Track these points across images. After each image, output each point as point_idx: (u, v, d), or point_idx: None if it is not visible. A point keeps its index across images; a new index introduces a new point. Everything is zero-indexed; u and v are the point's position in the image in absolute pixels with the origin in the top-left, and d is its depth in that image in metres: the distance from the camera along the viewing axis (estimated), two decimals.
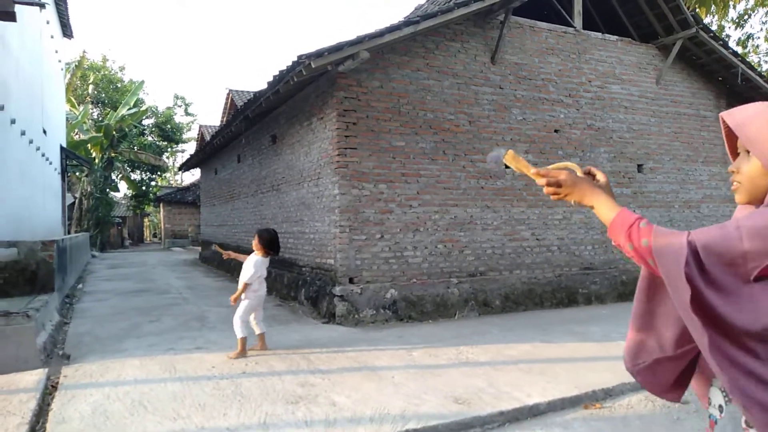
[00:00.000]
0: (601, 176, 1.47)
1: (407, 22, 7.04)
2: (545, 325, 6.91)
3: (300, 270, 8.80)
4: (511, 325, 6.98)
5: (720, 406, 1.30)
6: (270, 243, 5.49)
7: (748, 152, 1.25)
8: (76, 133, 25.27)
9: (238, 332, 5.29)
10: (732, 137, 1.33)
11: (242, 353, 5.28)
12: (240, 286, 5.41)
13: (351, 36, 6.82)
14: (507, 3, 7.70)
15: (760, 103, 1.26)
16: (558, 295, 8.56)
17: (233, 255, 5.80)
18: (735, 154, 1.33)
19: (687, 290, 1.11)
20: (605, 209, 1.35)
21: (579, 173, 1.46)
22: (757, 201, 1.25)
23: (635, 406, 4.17)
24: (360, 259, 7.25)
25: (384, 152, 7.47)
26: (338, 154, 7.23)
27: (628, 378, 4.49)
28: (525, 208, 8.53)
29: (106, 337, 6.24)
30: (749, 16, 14.28)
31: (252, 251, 5.59)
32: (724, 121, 1.31)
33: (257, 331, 5.51)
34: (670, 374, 1.36)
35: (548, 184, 1.43)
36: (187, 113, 41.29)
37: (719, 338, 1.11)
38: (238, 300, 5.43)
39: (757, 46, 17.00)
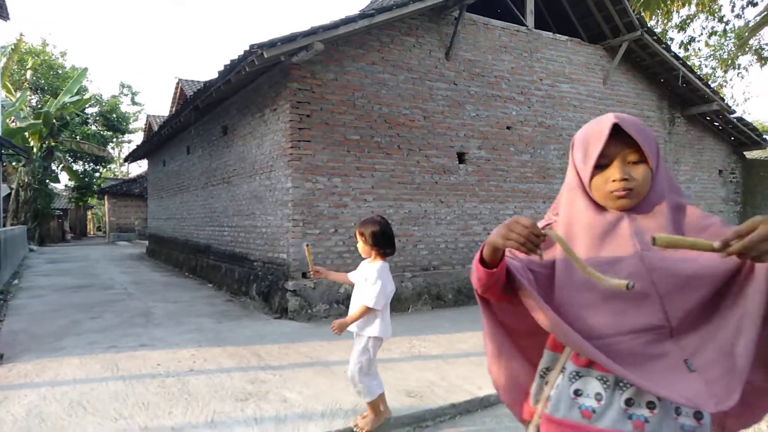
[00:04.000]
0: None
1: (362, 15, 6.99)
2: None
3: (251, 265, 8.63)
4: (463, 319, 7.06)
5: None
6: (385, 238, 3.43)
7: (633, 162, 1.31)
8: (12, 121, 23.87)
9: (367, 392, 3.35)
10: (607, 147, 1.32)
11: (377, 417, 3.42)
12: (355, 311, 3.35)
13: (305, 27, 6.71)
14: None
15: (630, 116, 1.35)
16: None
17: (324, 273, 3.61)
18: (598, 166, 1.33)
19: None
20: None
21: None
22: (637, 203, 1.33)
23: None
24: (313, 253, 7.16)
25: (338, 145, 7.40)
26: (291, 147, 7.11)
27: None
28: (477, 203, 8.65)
29: (43, 336, 5.92)
30: (691, 21, 14.95)
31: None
32: (609, 134, 1.31)
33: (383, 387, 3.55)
34: None
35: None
36: (134, 102, 39.71)
37: None
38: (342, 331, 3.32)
39: (699, 50, 17.85)
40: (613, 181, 1.31)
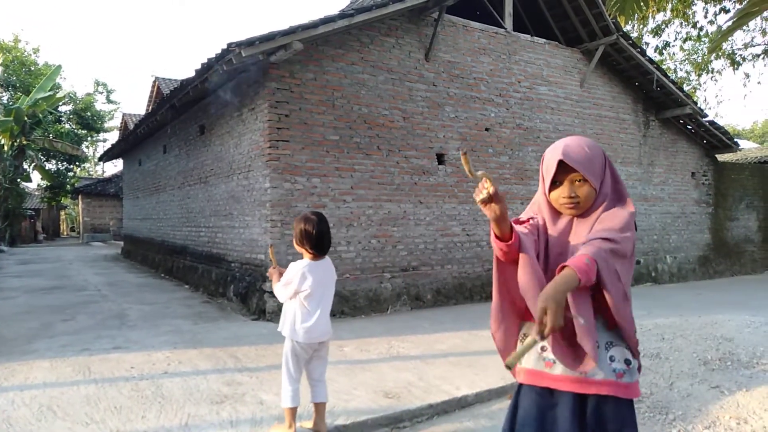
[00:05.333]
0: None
1: (342, 15, 6.97)
2: (475, 319, 7.07)
3: (229, 266, 8.53)
4: (441, 319, 7.08)
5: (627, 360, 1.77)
6: (311, 237, 3.18)
7: (578, 181, 1.76)
8: None
9: (284, 397, 3.23)
10: (557, 172, 1.78)
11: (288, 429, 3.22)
12: (275, 285, 3.30)
13: (285, 26, 6.68)
14: (441, 0, 7.78)
15: (586, 140, 1.81)
16: (487, 290, 8.78)
17: (274, 273, 3.36)
18: (552, 183, 1.81)
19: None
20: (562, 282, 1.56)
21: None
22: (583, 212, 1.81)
23: None
24: (292, 254, 7.10)
25: (317, 146, 7.36)
26: (270, 147, 7.05)
27: None
28: (456, 204, 8.69)
29: (12, 339, 5.77)
30: (666, 26, 15.24)
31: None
32: (558, 162, 1.76)
33: (311, 397, 3.34)
34: None
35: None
36: (109, 101, 39.00)
37: None
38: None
39: (674, 54, 18.20)
40: (563, 197, 1.79)
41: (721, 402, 3.80)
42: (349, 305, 7.46)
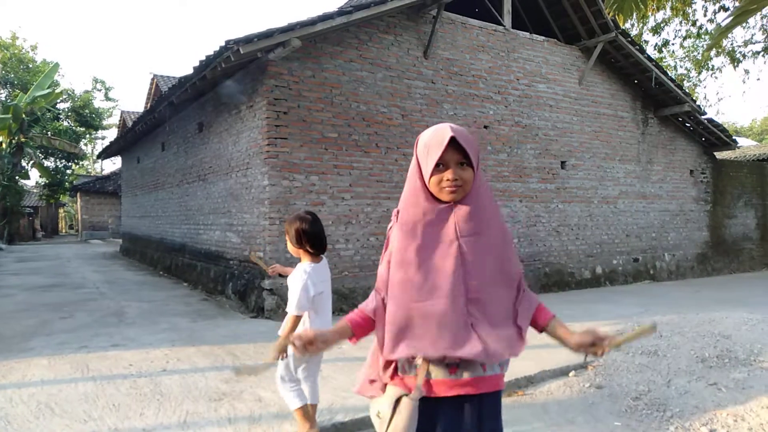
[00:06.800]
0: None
1: (340, 12, 6.96)
2: None
3: (227, 263, 8.53)
4: None
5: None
6: (310, 236, 3.04)
7: (462, 164, 1.69)
8: None
9: (289, 401, 3.15)
10: (444, 153, 1.68)
11: (304, 429, 3.14)
12: (286, 323, 2.99)
13: (283, 23, 6.66)
14: None
15: (461, 127, 1.76)
16: None
17: (279, 269, 3.58)
18: (436, 166, 1.69)
19: None
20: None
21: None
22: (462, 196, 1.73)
23: (554, 392, 4.34)
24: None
25: (316, 143, 7.36)
26: (268, 144, 7.04)
27: (549, 366, 4.68)
28: None
29: (10, 336, 5.76)
30: (666, 24, 15.28)
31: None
32: (450, 144, 1.68)
33: (306, 399, 3.19)
34: None
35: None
36: (107, 98, 38.89)
37: None
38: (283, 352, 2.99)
39: (673, 52, 18.22)
40: (447, 180, 1.69)
41: (718, 399, 3.81)
42: (348, 303, 7.46)
